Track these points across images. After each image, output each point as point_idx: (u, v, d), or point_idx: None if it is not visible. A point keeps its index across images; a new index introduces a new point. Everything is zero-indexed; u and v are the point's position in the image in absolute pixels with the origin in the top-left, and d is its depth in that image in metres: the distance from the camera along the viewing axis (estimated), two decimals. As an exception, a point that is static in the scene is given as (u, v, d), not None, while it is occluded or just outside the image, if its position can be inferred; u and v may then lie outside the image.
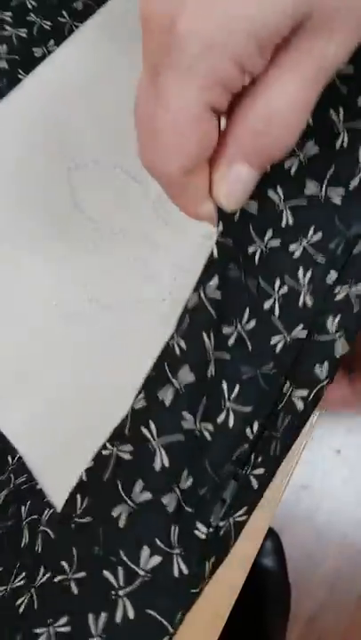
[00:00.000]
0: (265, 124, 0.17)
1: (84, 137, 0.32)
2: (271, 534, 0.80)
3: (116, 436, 0.21)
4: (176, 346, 0.20)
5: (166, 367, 0.20)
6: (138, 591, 0.19)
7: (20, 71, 0.33)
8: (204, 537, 0.19)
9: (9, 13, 0.34)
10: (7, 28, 0.34)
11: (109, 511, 0.20)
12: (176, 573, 0.19)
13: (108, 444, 0.21)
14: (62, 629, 0.19)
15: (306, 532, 0.88)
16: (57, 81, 0.33)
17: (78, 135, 0.32)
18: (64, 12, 0.34)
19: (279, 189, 0.21)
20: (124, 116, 0.31)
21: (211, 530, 0.19)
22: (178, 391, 0.20)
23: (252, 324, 0.21)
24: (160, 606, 0.19)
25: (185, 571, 0.19)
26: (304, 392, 0.21)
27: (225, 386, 0.20)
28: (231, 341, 0.21)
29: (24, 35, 0.33)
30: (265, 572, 0.77)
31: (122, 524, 0.19)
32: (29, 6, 0.34)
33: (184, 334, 0.20)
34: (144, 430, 0.20)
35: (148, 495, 0.19)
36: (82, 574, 0.19)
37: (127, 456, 0.20)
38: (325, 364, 0.21)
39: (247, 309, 0.21)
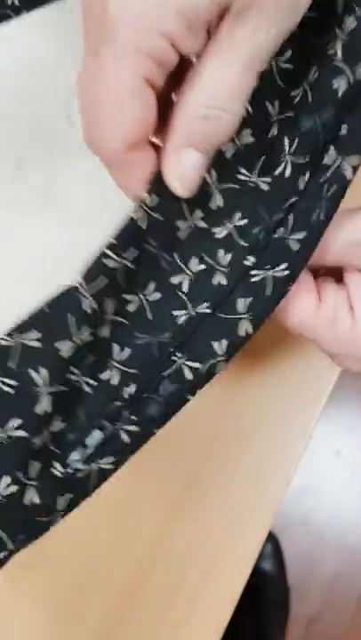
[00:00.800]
0: (206, 110, 0.18)
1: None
2: (270, 537, 0.80)
3: (2, 367, 0.21)
4: (85, 301, 0.21)
5: (70, 321, 0.21)
6: None
7: None
8: (60, 475, 0.20)
9: None
10: None
11: None
12: (27, 501, 0.20)
13: None
14: None
15: (305, 534, 0.88)
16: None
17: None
18: None
19: (213, 172, 0.22)
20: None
21: (68, 470, 0.20)
22: (76, 348, 0.21)
23: (157, 295, 0.22)
24: (5, 525, 0.20)
25: (36, 500, 0.20)
26: (196, 364, 0.22)
27: (116, 348, 0.21)
28: (132, 308, 0.22)
29: None
30: (264, 575, 0.76)
31: None
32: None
33: (95, 294, 0.21)
34: (31, 373, 0.21)
35: (21, 433, 0.20)
36: None
37: (10, 390, 0.21)
38: (224, 341, 0.22)
39: (154, 283, 0.22)
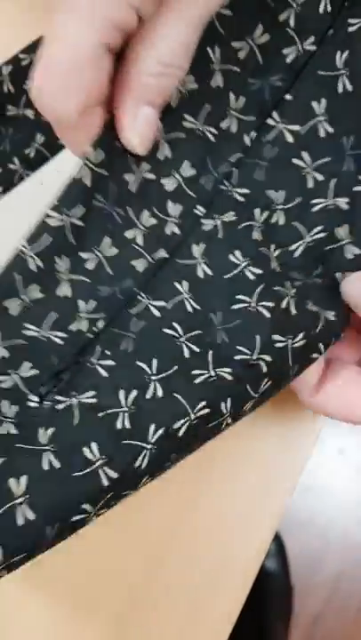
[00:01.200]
0: (163, 67, 0.19)
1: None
2: (274, 536, 0.80)
3: None
4: (31, 261, 0.21)
5: (16, 278, 0.21)
6: None
7: None
8: (36, 405, 0.20)
9: None
10: None
11: None
12: (4, 432, 0.20)
13: None
14: None
15: (309, 532, 0.88)
16: None
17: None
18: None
19: (159, 122, 0.22)
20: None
21: (45, 402, 0.20)
22: (26, 306, 0.21)
23: (114, 250, 0.22)
24: None
25: (13, 431, 0.20)
26: (161, 303, 0.22)
27: (81, 303, 0.21)
28: (90, 266, 0.22)
29: None
30: (268, 573, 0.76)
31: None
32: None
33: (39, 252, 0.21)
34: None
35: None
36: None
37: None
38: (185, 283, 0.22)
39: (109, 238, 0.22)
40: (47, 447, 0.20)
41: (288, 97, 0.24)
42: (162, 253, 0.23)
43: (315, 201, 0.24)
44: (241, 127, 0.23)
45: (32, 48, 0.33)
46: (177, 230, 0.23)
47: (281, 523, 0.88)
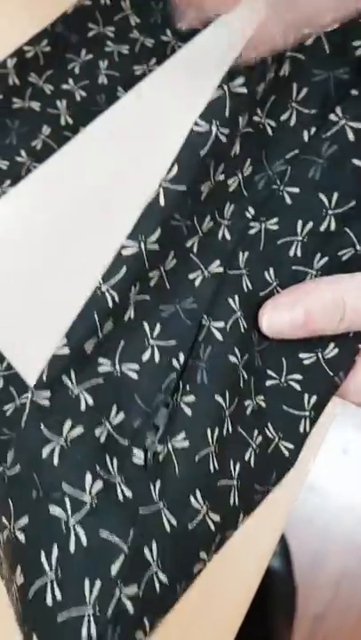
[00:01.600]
0: None
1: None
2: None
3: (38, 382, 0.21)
4: (108, 296, 0.20)
5: (95, 318, 0.20)
6: (87, 517, 0.18)
7: (120, 88, 0.33)
8: (142, 462, 0.20)
9: (112, 28, 0.33)
10: (109, 44, 0.33)
11: (39, 454, 0.19)
12: (121, 498, 0.19)
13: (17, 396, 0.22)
14: (19, 580, 0.18)
15: (312, 532, 0.88)
16: (154, 103, 0.32)
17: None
18: (167, 31, 0.33)
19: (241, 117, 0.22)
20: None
21: (149, 455, 0.20)
22: (99, 341, 0.21)
23: (173, 262, 0.22)
24: (111, 527, 0.18)
25: (129, 495, 0.19)
26: (220, 324, 0.22)
27: (146, 326, 0.21)
28: (152, 283, 0.21)
29: (126, 52, 0.33)
30: (271, 572, 0.76)
31: (55, 461, 0.19)
32: (133, 23, 0.33)
33: (114, 285, 0.20)
34: (64, 378, 0.20)
35: (79, 430, 0.19)
36: (24, 520, 0.19)
37: (45, 402, 0.20)
38: (237, 298, 0.22)
39: (172, 250, 0.22)
40: (161, 504, 0.19)
41: (354, 92, 0.22)
42: (216, 265, 0.22)
43: None
44: (300, 120, 0.22)
45: (36, 40, 0.33)
46: (228, 235, 0.22)
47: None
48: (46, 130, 0.32)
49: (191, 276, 0.22)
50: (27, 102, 0.32)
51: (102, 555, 0.18)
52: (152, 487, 0.19)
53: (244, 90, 0.21)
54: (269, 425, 0.22)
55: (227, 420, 0.21)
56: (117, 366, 0.21)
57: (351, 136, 0.22)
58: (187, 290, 0.22)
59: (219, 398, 0.21)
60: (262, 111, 0.22)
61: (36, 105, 0.32)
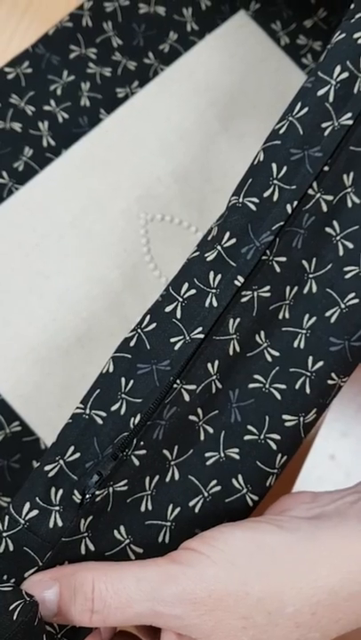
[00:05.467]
0: None
1: (161, 189, 0.33)
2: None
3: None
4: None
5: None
6: (17, 534, 0.22)
7: (102, 110, 0.33)
8: (78, 501, 0.22)
9: (94, 50, 0.34)
10: (91, 65, 0.33)
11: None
12: (51, 525, 0.21)
13: None
14: None
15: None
16: (136, 126, 0.33)
17: (156, 186, 0.33)
18: (150, 54, 0.34)
19: None
20: (203, 174, 0.32)
21: (87, 497, 0.22)
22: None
23: (152, 326, 0.23)
24: (33, 546, 0.22)
25: (59, 523, 0.21)
26: (192, 387, 0.23)
27: (122, 380, 0.23)
28: (132, 343, 0.23)
29: (108, 74, 0.33)
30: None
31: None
32: (115, 45, 0.34)
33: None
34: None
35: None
36: None
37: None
38: (216, 362, 0.23)
39: (148, 315, 0.23)
40: (85, 534, 0.22)
41: (326, 168, 0.24)
42: (198, 331, 0.23)
43: (347, 268, 0.25)
44: (283, 195, 0.24)
45: (17, 61, 0.33)
46: (215, 302, 0.23)
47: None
48: (28, 151, 0.32)
49: (172, 340, 0.23)
50: (8, 123, 0.32)
51: (21, 561, 0.22)
52: (82, 522, 0.22)
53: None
54: (239, 477, 0.23)
55: (172, 469, 0.23)
56: (88, 410, 0.22)
57: (325, 207, 0.24)
58: (166, 353, 0.23)
59: (165, 451, 0.23)
60: (238, 195, 0.24)
61: (17, 126, 0.33)
